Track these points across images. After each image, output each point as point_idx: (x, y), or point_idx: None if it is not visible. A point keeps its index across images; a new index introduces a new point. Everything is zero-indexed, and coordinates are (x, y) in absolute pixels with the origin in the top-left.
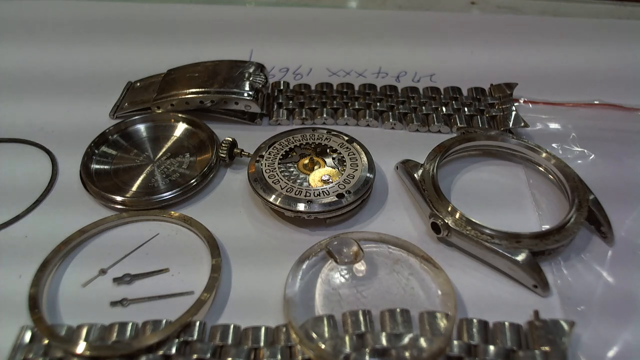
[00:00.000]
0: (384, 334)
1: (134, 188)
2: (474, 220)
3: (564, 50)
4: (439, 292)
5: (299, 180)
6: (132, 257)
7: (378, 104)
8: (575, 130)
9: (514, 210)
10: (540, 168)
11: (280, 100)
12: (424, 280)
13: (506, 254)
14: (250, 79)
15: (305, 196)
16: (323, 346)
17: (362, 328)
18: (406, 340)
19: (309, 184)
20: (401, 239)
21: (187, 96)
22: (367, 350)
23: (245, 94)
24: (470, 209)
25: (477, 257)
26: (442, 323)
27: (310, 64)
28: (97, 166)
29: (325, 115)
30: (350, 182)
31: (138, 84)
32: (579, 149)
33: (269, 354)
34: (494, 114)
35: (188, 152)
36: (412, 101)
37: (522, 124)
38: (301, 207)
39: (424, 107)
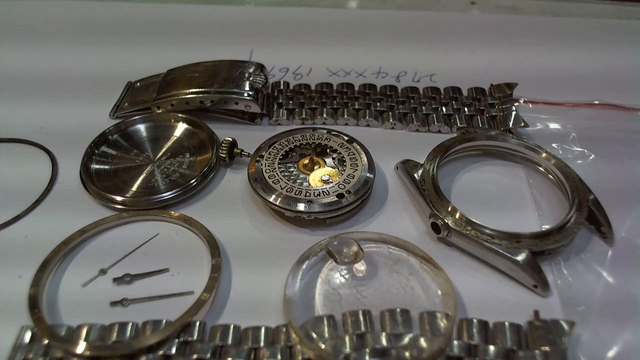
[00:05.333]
0: (384, 334)
1: (134, 188)
2: (474, 220)
3: (564, 50)
4: (439, 292)
5: (299, 180)
6: (132, 257)
7: (378, 104)
8: (575, 130)
9: (514, 210)
10: (540, 168)
11: (280, 100)
12: (424, 280)
13: (506, 254)
14: (250, 79)
15: (305, 196)
16: (323, 346)
17: (362, 328)
18: (406, 340)
19: (309, 184)
20: (401, 239)
21: (187, 96)
22: (367, 350)
23: (245, 94)
24: (470, 209)
25: (477, 257)
26: (442, 323)
27: (310, 64)
28: (97, 166)
29: (325, 115)
30: (350, 182)
31: (138, 84)
32: (579, 149)
33: (269, 354)
34: (494, 114)
35: (188, 152)
36: (412, 101)
37: (522, 124)
38: (301, 207)
39: (424, 107)
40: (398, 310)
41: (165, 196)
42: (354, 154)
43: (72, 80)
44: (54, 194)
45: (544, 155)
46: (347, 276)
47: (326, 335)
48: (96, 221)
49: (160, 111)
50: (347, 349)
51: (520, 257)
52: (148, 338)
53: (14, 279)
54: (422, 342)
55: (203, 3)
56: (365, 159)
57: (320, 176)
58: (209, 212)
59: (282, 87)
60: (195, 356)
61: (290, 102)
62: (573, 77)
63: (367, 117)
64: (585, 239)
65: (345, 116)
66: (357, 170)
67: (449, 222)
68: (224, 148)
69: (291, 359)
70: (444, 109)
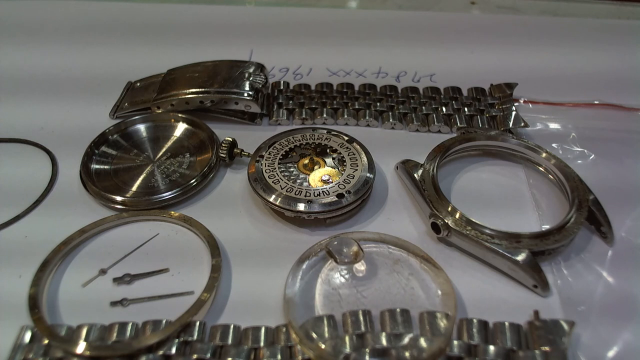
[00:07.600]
0: (384, 334)
1: (134, 188)
2: (474, 220)
3: (564, 50)
4: (439, 292)
5: (299, 180)
6: (132, 257)
7: (378, 104)
8: (575, 130)
9: (514, 210)
10: (540, 168)
11: (280, 100)
12: (424, 280)
13: (506, 254)
14: (250, 79)
15: (305, 196)
16: (323, 346)
17: (362, 328)
18: (406, 340)
19: (309, 184)
20: (401, 239)
21: (187, 96)
22: (367, 350)
23: (245, 94)
24: (470, 209)
25: (477, 257)
26: (442, 323)
27: (310, 64)
28: (97, 166)
29: (325, 115)
30: (350, 182)
31: (138, 84)
32: (579, 149)
33: (269, 354)
34: (494, 114)
35: (188, 152)
36: (412, 101)
37: (522, 124)
38: (301, 207)
39: (424, 107)
40: (398, 310)
41: (165, 196)
42: (354, 154)
43: (72, 80)
44: (54, 194)
45: (544, 155)
46: (347, 276)
47: (326, 335)
48: (96, 221)
49: (160, 111)
50: (347, 349)
51: (520, 257)
52: (148, 338)
53: (14, 279)
54: (422, 342)
55: (203, 3)
56: (365, 159)
57: (320, 176)
58: (209, 212)
59: (282, 87)
60: (195, 356)
61: (290, 102)
62: (573, 77)
63: (367, 117)
64: (585, 239)
65: (345, 116)
66: (357, 170)
67: (449, 222)
68: (224, 148)
69: (291, 359)
70: (444, 109)
